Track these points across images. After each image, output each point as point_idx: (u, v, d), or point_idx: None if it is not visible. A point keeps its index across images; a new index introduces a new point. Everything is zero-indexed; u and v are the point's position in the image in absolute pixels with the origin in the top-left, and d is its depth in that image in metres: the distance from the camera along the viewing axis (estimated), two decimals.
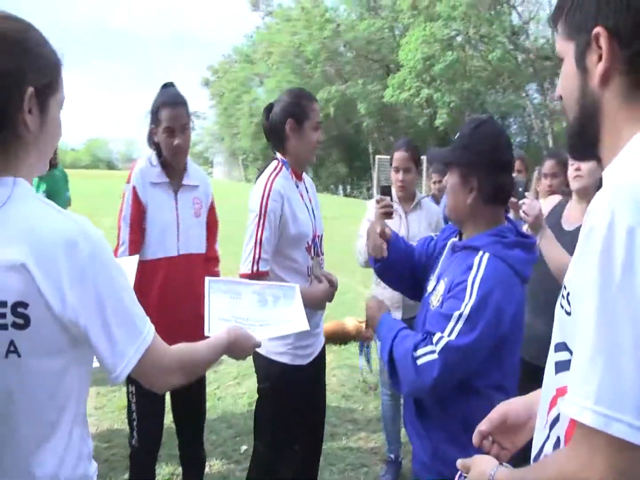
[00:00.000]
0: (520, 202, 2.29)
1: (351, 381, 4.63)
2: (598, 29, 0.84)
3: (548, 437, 0.92)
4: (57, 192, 4.75)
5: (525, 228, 2.26)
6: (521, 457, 1.11)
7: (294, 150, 2.36)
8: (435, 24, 26.47)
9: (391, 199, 2.18)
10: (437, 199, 4.61)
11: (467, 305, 1.55)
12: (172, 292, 2.43)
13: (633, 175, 0.77)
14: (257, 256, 2.22)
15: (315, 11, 33.99)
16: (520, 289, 1.67)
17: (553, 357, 0.91)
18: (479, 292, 1.55)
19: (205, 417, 2.84)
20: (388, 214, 2.13)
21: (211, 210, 2.71)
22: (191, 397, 2.66)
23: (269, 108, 2.42)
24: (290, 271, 2.32)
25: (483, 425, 1.18)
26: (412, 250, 2.03)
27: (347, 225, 11.39)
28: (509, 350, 1.67)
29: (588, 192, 2.46)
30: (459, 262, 1.69)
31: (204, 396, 2.80)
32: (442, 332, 1.56)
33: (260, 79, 44.32)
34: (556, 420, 0.90)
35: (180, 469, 2.92)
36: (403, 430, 2.98)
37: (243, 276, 2.23)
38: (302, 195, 2.40)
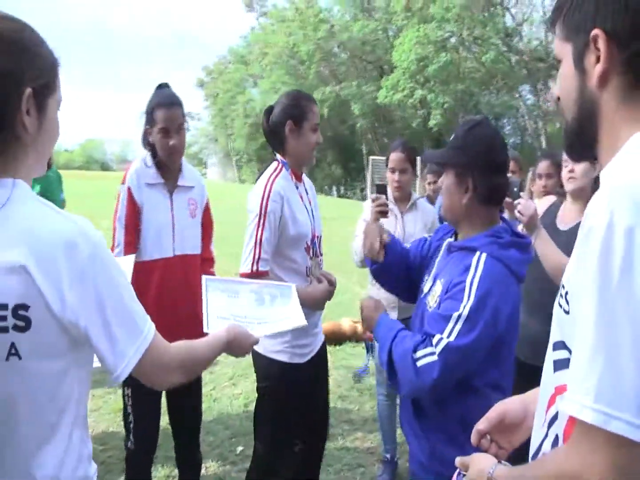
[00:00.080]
0: (515, 202, 2.30)
1: (347, 382, 4.63)
2: (596, 31, 0.84)
3: (546, 435, 0.93)
4: (51, 193, 4.72)
5: (520, 228, 2.28)
6: (519, 457, 1.11)
7: (293, 151, 2.38)
8: (429, 26, 26.57)
9: (387, 198, 2.19)
10: (431, 200, 4.62)
11: (465, 306, 1.55)
12: (169, 293, 2.43)
13: (631, 175, 0.77)
14: (257, 256, 2.24)
15: (310, 12, 34.05)
16: (516, 289, 1.68)
17: (551, 355, 0.92)
18: (477, 293, 1.56)
19: (202, 419, 2.83)
20: (384, 213, 2.13)
21: (206, 211, 2.71)
22: (187, 399, 2.65)
23: (269, 110, 2.44)
24: (289, 271, 2.34)
25: (481, 424, 1.18)
26: (407, 252, 2.04)
27: (345, 226, 11.37)
28: (507, 349, 1.68)
29: (582, 193, 2.48)
30: (456, 262, 1.69)
31: (200, 397, 2.79)
32: (442, 333, 1.56)
33: (255, 80, 44.38)
34: (554, 418, 0.90)
35: (176, 471, 2.91)
36: (399, 430, 2.98)
37: (243, 275, 2.24)
38: (301, 197, 2.41)
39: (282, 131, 2.35)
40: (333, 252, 7.74)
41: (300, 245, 2.36)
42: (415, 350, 1.59)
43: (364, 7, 34.29)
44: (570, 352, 0.83)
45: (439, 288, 1.70)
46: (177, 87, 2.55)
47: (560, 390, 0.87)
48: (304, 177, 2.54)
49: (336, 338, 5.53)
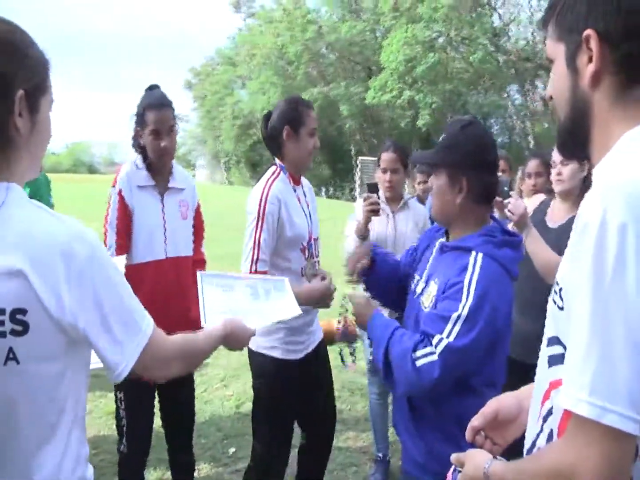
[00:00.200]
0: (506, 201, 2.32)
1: (338, 382, 4.63)
2: (589, 31, 0.86)
3: (541, 430, 0.94)
4: (40, 197, 4.67)
5: (510, 227, 2.29)
6: (513, 452, 1.12)
7: (291, 155, 2.42)
8: (417, 26, 26.60)
9: (378, 197, 2.21)
10: (422, 200, 4.63)
11: (464, 307, 1.56)
12: (161, 295, 2.42)
13: (623, 173, 0.79)
14: (255, 257, 2.29)
15: (297, 13, 33.97)
16: (511, 287, 1.70)
17: (545, 351, 0.93)
18: (476, 293, 1.56)
19: (194, 421, 2.83)
20: (375, 211, 2.15)
21: (197, 213, 2.71)
22: (180, 401, 2.65)
23: (268, 116, 2.48)
24: (284, 270, 2.37)
25: (476, 421, 1.19)
26: (398, 265, 2.06)
27: (340, 226, 11.37)
28: (501, 347, 1.69)
29: (570, 194, 2.51)
30: (450, 262, 1.70)
31: (193, 400, 2.78)
32: (441, 333, 1.57)
33: (243, 81, 44.21)
34: (549, 413, 0.92)
35: (169, 474, 2.90)
36: (391, 429, 2.99)
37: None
38: (299, 199, 2.46)
39: (279, 136, 2.40)
40: (323, 252, 7.73)
41: (297, 246, 2.41)
42: (414, 350, 1.59)
43: (352, 8, 34.28)
44: (564, 347, 0.84)
45: (433, 288, 1.70)
46: (164, 89, 2.55)
47: (554, 385, 0.88)
48: (303, 180, 2.58)
49: (327, 338, 5.51)
